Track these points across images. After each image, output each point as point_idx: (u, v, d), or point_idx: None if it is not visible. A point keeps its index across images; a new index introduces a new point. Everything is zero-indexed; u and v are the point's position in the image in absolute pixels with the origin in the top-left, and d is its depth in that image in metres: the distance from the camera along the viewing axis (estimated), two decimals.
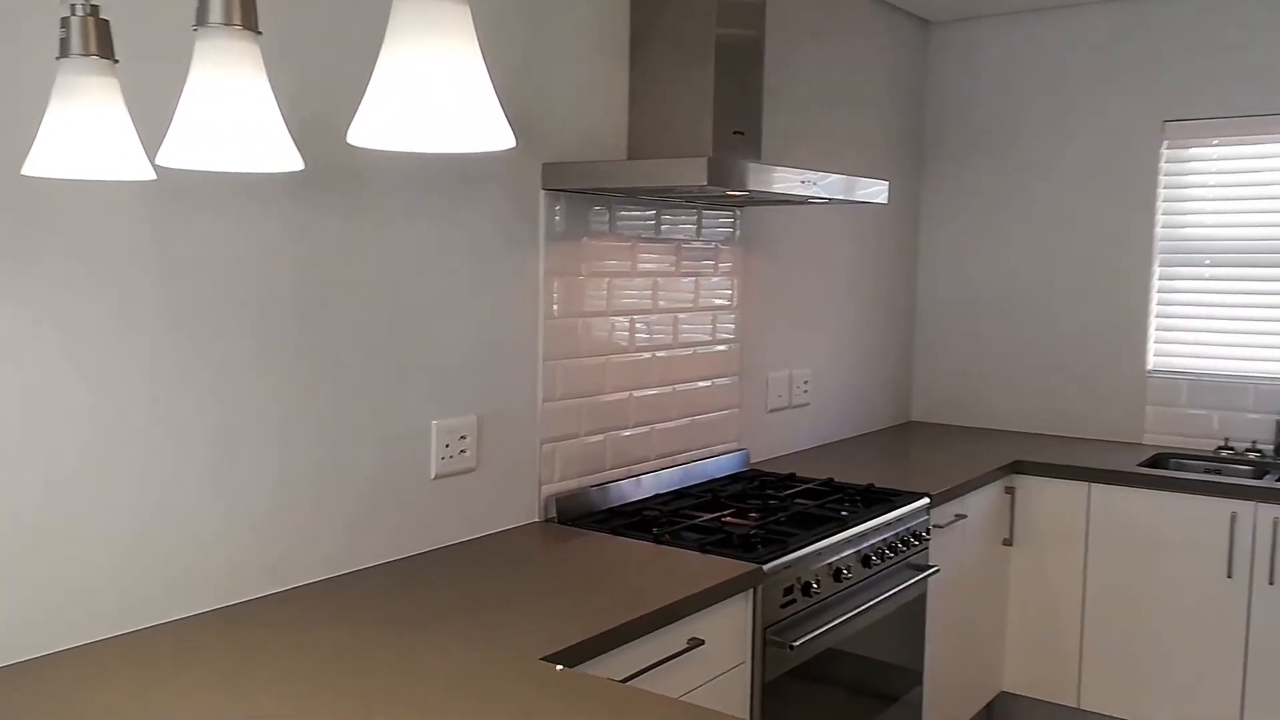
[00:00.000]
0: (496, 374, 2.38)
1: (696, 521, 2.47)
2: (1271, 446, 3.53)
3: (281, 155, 1.22)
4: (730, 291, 3.09)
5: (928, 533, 2.84)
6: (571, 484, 2.58)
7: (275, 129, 1.21)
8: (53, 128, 1.34)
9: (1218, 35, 3.58)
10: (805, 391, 3.49)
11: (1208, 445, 3.64)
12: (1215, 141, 3.62)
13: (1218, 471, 3.52)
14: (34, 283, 1.60)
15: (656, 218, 2.80)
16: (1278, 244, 3.52)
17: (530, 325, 2.46)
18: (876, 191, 2.80)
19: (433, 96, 0.97)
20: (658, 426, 2.84)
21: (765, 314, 3.28)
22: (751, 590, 2.16)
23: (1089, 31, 3.81)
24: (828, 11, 3.47)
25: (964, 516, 3.11)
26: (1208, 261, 3.65)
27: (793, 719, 2.30)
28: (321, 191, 1.99)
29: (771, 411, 3.34)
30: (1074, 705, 3.38)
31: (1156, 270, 3.74)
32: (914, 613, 2.82)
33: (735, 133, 2.63)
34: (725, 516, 2.54)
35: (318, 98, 1.97)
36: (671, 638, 1.95)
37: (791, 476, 2.99)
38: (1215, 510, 3.12)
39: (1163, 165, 3.71)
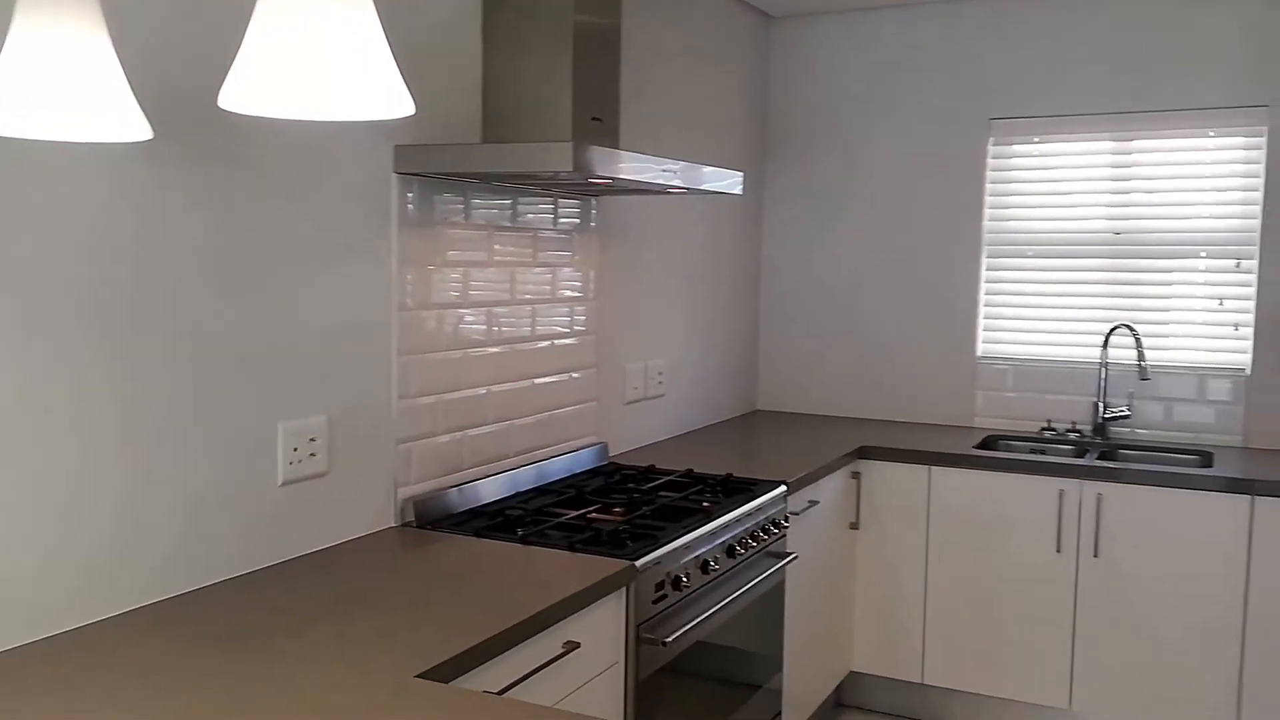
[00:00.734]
0: (348, 371, 2.24)
1: (562, 519, 2.40)
2: (1089, 426, 3.75)
3: (123, 122, 1.08)
4: (587, 282, 3.03)
5: (786, 520, 2.87)
6: (429, 485, 2.46)
7: (117, 92, 1.06)
8: None
9: (1038, 37, 3.77)
10: (660, 383, 3.47)
11: (1032, 427, 3.84)
12: (1036, 139, 3.82)
13: (1042, 451, 3.72)
14: None
15: (513, 205, 2.70)
16: (1092, 236, 3.74)
17: (383, 318, 2.33)
18: (732, 182, 2.80)
19: (324, 56, 0.86)
20: (516, 422, 2.75)
21: (621, 304, 3.24)
22: (625, 588, 2.11)
23: (920, 31, 3.94)
24: (676, 1, 3.45)
25: (816, 503, 3.17)
26: (1030, 253, 3.85)
27: (665, 715, 2.27)
28: (164, 165, 1.80)
29: (628, 404, 3.30)
30: (919, 681, 3.50)
31: (984, 261, 3.92)
32: (774, 600, 2.84)
33: (594, 119, 2.57)
34: (591, 513, 2.48)
35: (165, 55, 1.78)
36: (547, 643, 1.87)
37: (652, 469, 2.96)
38: (1045, 489, 3.29)
39: (989, 161, 3.88)
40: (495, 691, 1.72)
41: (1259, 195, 3.50)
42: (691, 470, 2.93)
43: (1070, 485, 3.26)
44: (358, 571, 2.04)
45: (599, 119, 2.58)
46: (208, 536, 1.93)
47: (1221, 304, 3.58)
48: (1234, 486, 3.06)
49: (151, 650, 1.63)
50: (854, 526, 3.53)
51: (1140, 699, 3.20)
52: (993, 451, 3.52)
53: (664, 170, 2.45)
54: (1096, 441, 3.68)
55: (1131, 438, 3.69)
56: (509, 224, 2.69)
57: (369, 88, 0.88)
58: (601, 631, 2.05)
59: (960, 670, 3.43)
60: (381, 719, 1.41)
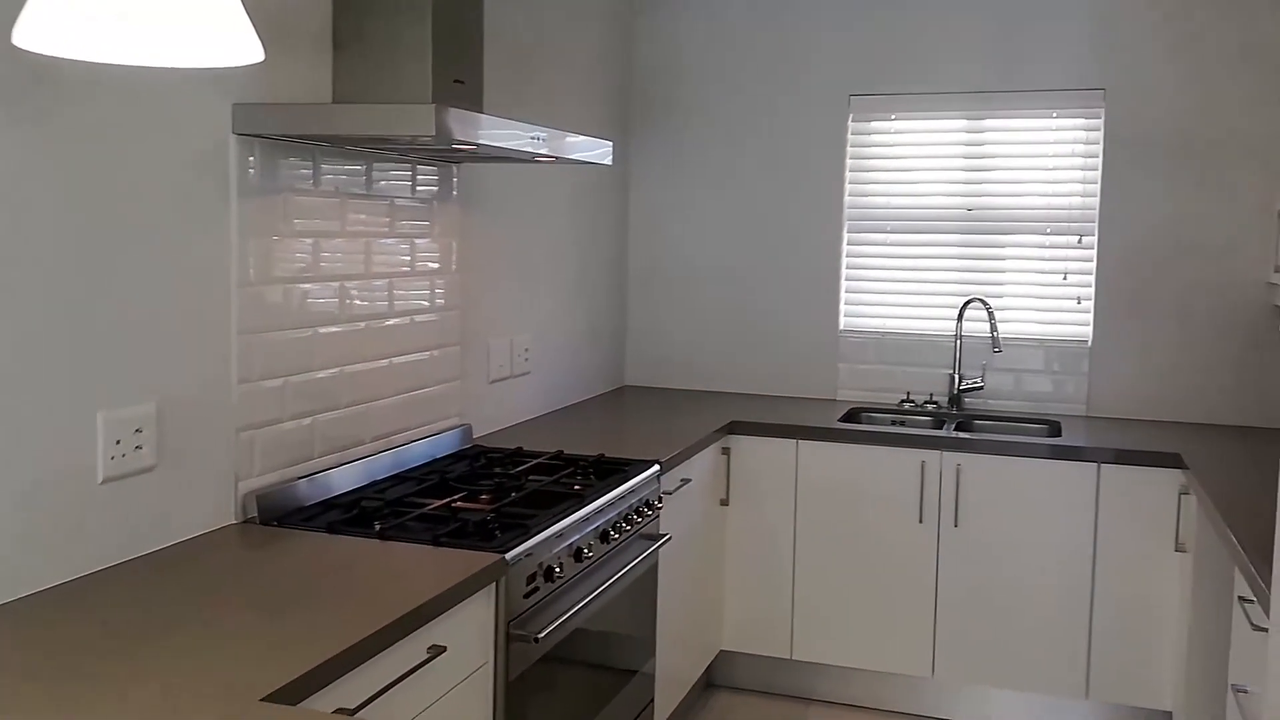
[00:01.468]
0: (180, 352, 2.02)
1: (425, 510, 2.24)
2: (946, 398, 3.81)
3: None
4: (448, 254, 2.85)
5: (660, 501, 2.78)
6: (275, 477, 2.26)
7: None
8: None
9: (897, 16, 3.76)
10: (526, 360, 3.33)
11: (892, 399, 3.87)
12: (894, 116, 3.83)
13: (901, 423, 3.76)
14: None
15: (367, 172, 2.50)
16: (947, 212, 3.79)
17: (222, 293, 2.11)
18: (602, 152, 2.67)
19: None
20: (373, 405, 2.57)
21: (485, 278, 3.08)
22: (494, 584, 1.98)
23: (784, 4, 3.88)
24: None
25: (688, 481, 3.09)
26: (889, 228, 3.87)
27: (537, 714, 2.16)
28: None
29: (494, 382, 3.15)
30: (788, 657, 3.49)
31: (846, 236, 3.92)
32: (647, 583, 2.76)
33: (456, 81, 2.39)
34: (456, 501, 2.33)
35: None
36: (410, 649, 1.73)
37: (519, 451, 2.82)
38: (907, 460, 3.32)
39: (850, 137, 3.88)
40: (350, 710, 1.57)
41: (1097, 175, 3.61)
42: (562, 452, 2.81)
43: (931, 456, 3.29)
44: (193, 576, 1.84)
45: (461, 81, 2.41)
46: (17, 541, 1.70)
47: (1065, 278, 3.68)
48: (1082, 455, 3.14)
49: None
50: (724, 503, 3.48)
51: (999, 665, 3.28)
52: (857, 424, 3.52)
53: (532, 138, 2.30)
54: (953, 413, 3.73)
55: (985, 408, 3.77)
56: (362, 192, 2.49)
57: (207, 30, 0.72)
58: (469, 632, 1.91)
59: (828, 644, 3.44)
60: None
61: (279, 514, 2.21)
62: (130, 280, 1.89)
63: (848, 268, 3.93)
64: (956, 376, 3.75)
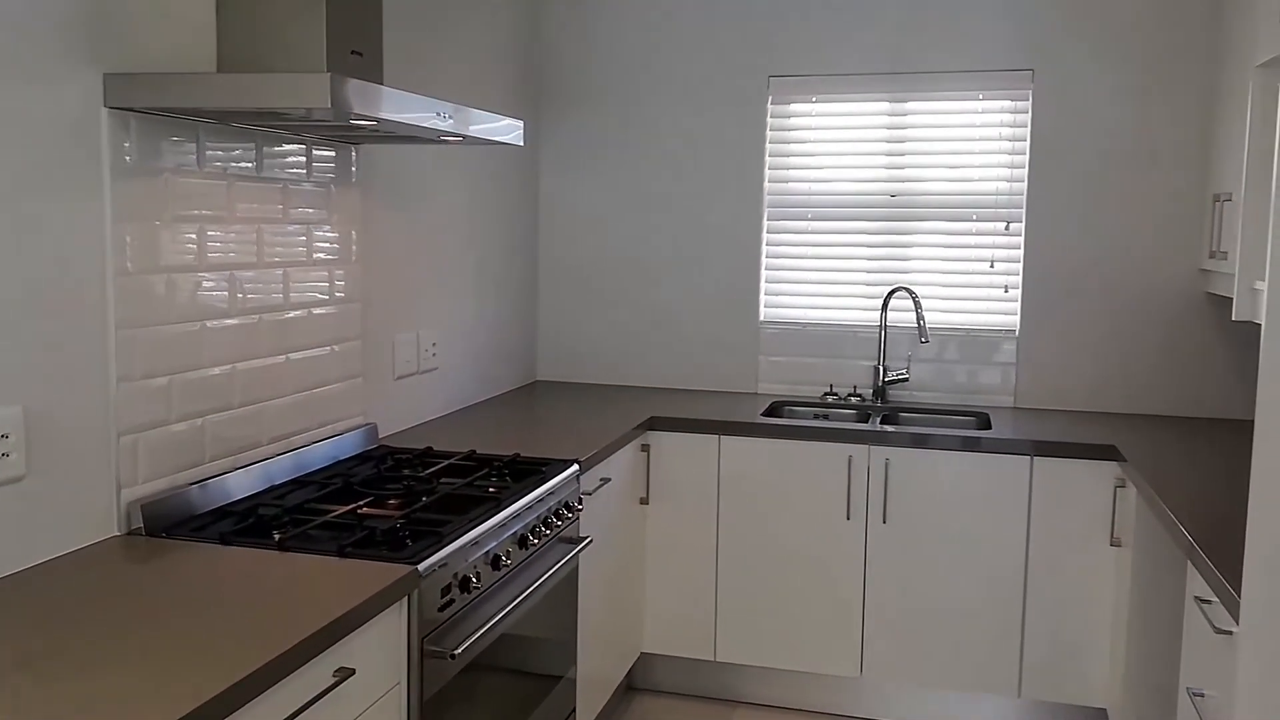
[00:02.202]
0: (50, 350, 1.81)
1: (328, 517, 2.07)
2: (870, 390, 3.76)
3: None
4: (347, 243, 2.67)
5: (580, 502, 2.65)
6: (162, 484, 2.06)
7: None
8: None
9: None
10: (433, 355, 3.15)
11: (815, 392, 3.81)
12: (815, 98, 3.75)
13: (825, 417, 3.69)
14: None
15: (258, 152, 2.31)
16: (868, 199, 3.73)
17: (97, 285, 1.90)
18: (513, 132, 2.52)
19: None
20: (269, 404, 2.38)
21: (388, 269, 2.90)
22: (406, 598, 1.82)
23: None
24: None
25: (608, 480, 2.97)
26: (810, 216, 3.79)
27: None
28: None
29: (399, 379, 2.97)
30: (711, 659, 3.39)
31: (766, 224, 3.83)
32: (568, 587, 2.62)
33: (353, 53, 2.21)
34: (362, 507, 2.16)
35: None
36: (316, 673, 1.56)
37: (429, 451, 2.65)
38: (834, 455, 3.24)
39: (769, 120, 3.79)
40: None
41: (1025, 159, 3.58)
42: (474, 451, 2.65)
43: (859, 451, 3.22)
44: (68, 597, 1.64)
45: (359, 53, 2.23)
46: None
47: (992, 266, 3.65)
48: (1015, 448, 3.11)
49: None
50: (644, 502, 3.36)
51: (928, 664, 3.23)
52: (781, 419, 3.44)
53: (439, 114, 2.14)
54: (877, 405, 3.68)
55: (910, 401, 3.72)
56: (253, 174, 2.30)
57: None
58: (380, 651, 1.75)
59: (753, 645, 3.35)
60: None
61: (167, 524, 2.01)
62: None
63: (768, 256, 3.84)
64: (881, 368, 3.69)
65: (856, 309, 3.78)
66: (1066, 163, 3.54)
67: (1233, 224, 3.00)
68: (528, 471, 2.52)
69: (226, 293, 2.22)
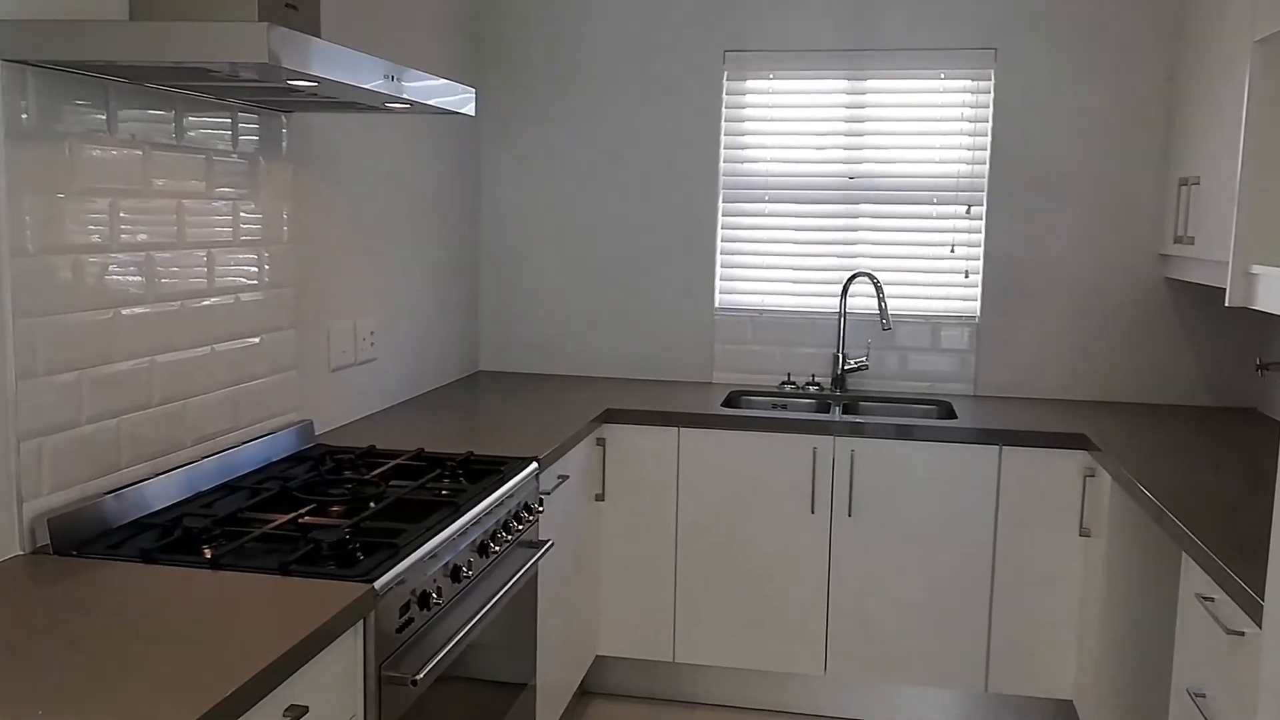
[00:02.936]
0: None
1: (266, 529, 1.84)
2: (829, 379, 3.62)
3: None
4: (278, 222, 2.42)
5: (540, 503, 2.44)
6: (71, 494, 1.80)
7: None
8: None
9: None
10: (372, 344, 2.91)
11: (772, 381, 3.65)
12: (771, 75, 3.59)
13: (784, 406, 3.54)
14: None
15: (177, 118, 2.05)
16: (828, 180, 3.58)
17: None
18: (464, 100, 2.30)
19: None
20: (193, 401, 2.12)
21: (321, 251, 2.65)
22: (362, 621, 1.60)
23: None
24: None
25: (566, 478, 2.77)
26: (766, 197, 3.63)
27: None
28: None
29: (335, 370, 2.72)
30: (669, 660, 3.22)
31: (721, 206, 3.66)
32: (529, 593, 2.42)
33: (288, 5, 1.97)
34: (303, 516, 1.93)
35: None
36: (262, 717, 1.34)
37: (372, 451, 2.42)
38: (798, 447, 3.09)
39: (725, 97, 3.62)
40: None
41: (987, 141, 3.47)
42: (423, 450, 2.43)
43: (823, 443, 3.08)
44: None
45: (294, 6, 1.99)
46: None
47: (953, 250, 3.54)
48: (983, 437, 2.99)
49: None
50: (599, 499, 3.17)
51: (895, 660, 3.11)
52: (741, 410, 3.27)
53: (388, 76, 1.91)
54: (837, 394, 3.54)
55: (870, 389, 3.59)
56: (172, 142, 2.04)
57: None
58: (334, 682, 1.54)
59: (713, 645, 3.19)
60: None
61: (79, 540, 1.76)
62: None
63: (723, 240, 3.67)
64: (840, 356, 3.55)
65: (814, 295, 3.63)
66: (1028, 145, 3.43)
67: (1200, 208, 2.92)
68: (484, 471, 2.31)
69: (142, 277, 1.97)
